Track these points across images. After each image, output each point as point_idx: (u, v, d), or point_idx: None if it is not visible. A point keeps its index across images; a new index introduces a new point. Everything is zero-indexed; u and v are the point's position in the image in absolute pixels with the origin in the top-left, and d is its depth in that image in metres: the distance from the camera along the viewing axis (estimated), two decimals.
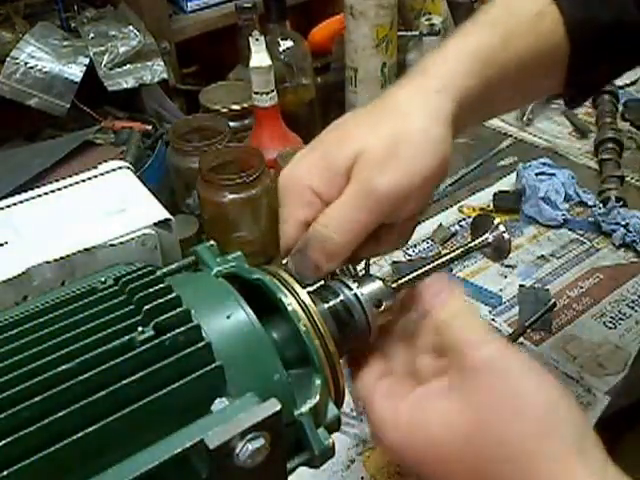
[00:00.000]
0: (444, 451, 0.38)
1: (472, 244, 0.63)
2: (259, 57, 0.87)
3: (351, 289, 0.48)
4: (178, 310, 0.37)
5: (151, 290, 0.38)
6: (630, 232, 0.88)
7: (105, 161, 0.64)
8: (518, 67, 0.52)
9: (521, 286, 0.85)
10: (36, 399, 0.32)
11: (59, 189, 0.60)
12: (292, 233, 0.47)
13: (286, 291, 0.42)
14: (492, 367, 0.38)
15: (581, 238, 0.92)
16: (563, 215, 0.93)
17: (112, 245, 0.53)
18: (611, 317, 0.81)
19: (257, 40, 0.87)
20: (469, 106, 0.49)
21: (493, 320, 0.81)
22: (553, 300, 0.83)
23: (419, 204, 0.47)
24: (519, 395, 0.37)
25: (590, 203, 0.96)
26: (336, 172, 0.46)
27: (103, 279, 0.40)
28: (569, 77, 0.56)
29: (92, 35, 1.06)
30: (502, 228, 0.64)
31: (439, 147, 0.46)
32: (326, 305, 0.47)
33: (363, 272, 0.55)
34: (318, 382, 0.41)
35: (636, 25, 0.54)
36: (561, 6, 0.53)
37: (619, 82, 1.22)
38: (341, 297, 0.48)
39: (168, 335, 0.35)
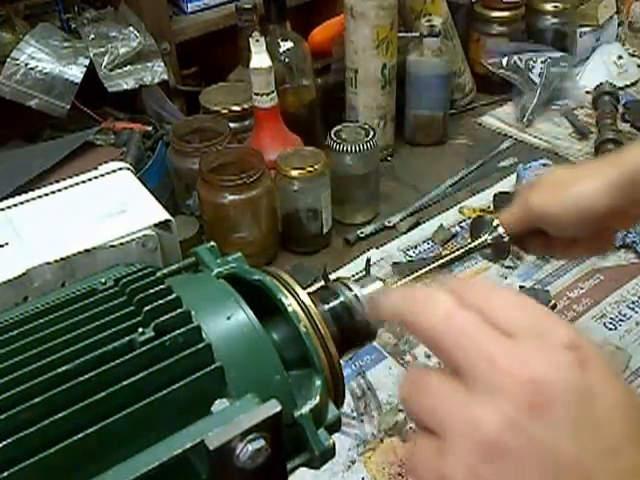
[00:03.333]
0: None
1: (472, 245, 0.63)
2: (259, 58, 0.87)
3: (351, 290, 0.48)
4: (178, 311, 0.37)
5: (151, 291, 0.38)
6: (630, 233, 0.88)
7: (105, 162, 0.64)
8: None
9: (521, 287, 0.85)
10: (36, 400, 0.32)
11: (59, 190, 0.60)
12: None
13: (286, 292, 0.42)
14: None
15: None
16: None
17: (112, 246, 0.53)
18: (611, 318, 0.81)
19: (257, 41, 0.87)
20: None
21: None
22: (553, 301, 0.83)
23: (573, 229, 0.59)
24: None
25: None
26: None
27: (103, 280, 0.40)
28: None
29: (92, 36, 1.06)
30: (501, 229, 0.64)
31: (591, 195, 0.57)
32: (326, 306, 0.47)
33: (364, 273, 0.55)
34: (318, 383, 0.41)
35: None
36: None
37: (619, 83, 1.22)
38: (341, 298, 0.48)
39: (168, 336, 0.35)
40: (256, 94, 0.90)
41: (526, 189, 0.64)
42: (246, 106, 0.99)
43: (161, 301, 0.37)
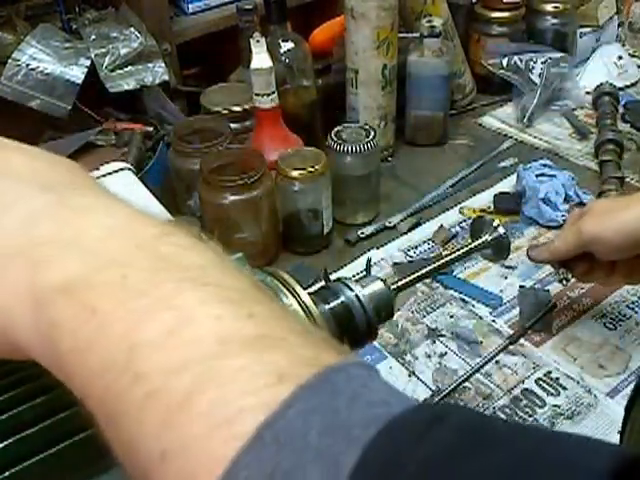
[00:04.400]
0: None
1: (472, 245, 0.64)
2: (260, 59, 0.87)
3: (352, 290, 0.48)
4: None
5: None
6: None
7: (106, 163, 0.65)
8: None
9: (521, 287, 0.85)
10: (37, 400, 0.32)
11: None
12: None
13: (287, 292, 0.43)
14: None
15: None
16: (563, 216, 0.93)
17: None
18: (611, 318, 0.81)
19: (258, 42, 0.87)
20: None
21: (493, 321, 0.81)
22: (553, 301, 0.83)
23: (620, 253, 0.68)
24: None
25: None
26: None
27: None
28: None
29: (93, 37, 1.06)
30: (501, 230, 0.64)
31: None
32: (327, 306, 0.47)
33: (364, 273, 0.55)
34: None
35: None
36: None
37: (619, 84, 1.22)
38: (342, 298, 0.48)
39: None
40: (257, 95, 0.90)
41: (576, 216, 0.72)
42: (247, 107, 0.99)
43: None
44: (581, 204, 0.96)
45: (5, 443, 0.30)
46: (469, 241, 0.65)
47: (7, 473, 0.30)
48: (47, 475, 0.31)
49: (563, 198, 0.95)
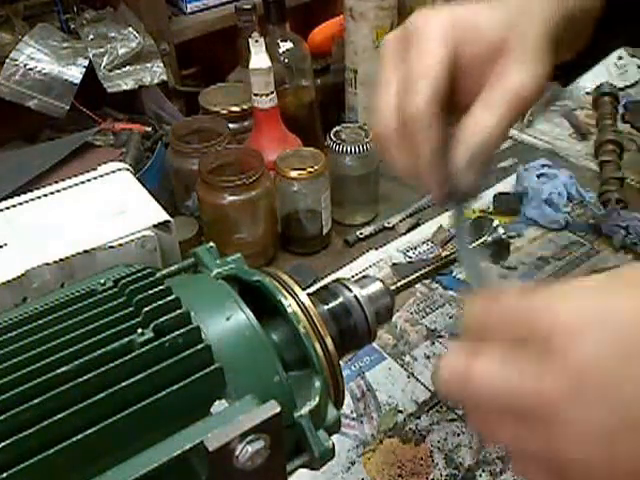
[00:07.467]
0: None
1: (471, 246, 0.63)
2: (259, 59, 0.87)
3: (351, 290, 0.48)
4: (178, 312, 0.37)
5: (151, 292, 0.38)
6: (630, 234, 0.88)
7: (105, 163, 0.64)
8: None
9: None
10: (35, 401, 0.32)
11: (58, 191, 0.60)
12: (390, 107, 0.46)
13: (286, 293, 0.42)
14: None
15: (581, 240, 0.92)
16: (565, 218, 0.93)
17: (111, 247, 0.53)
18: None
19: (257, 42, 0.87)
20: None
21: None
22: None
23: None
24: None
25: (592, 202, 0.96)
26: (480, 50, 0.47)
27: (102, 281, 0.40)
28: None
29: (91, 37, 1.06)
30: (501, 230, 0.64)
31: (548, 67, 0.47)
32: (326, 307, 0.47)
33: (363, 274, 0.55)
34: (318, 384, 0.41)
35: None
36: None
37: (619, 84, 1.22)
38: (341, 299, 0.48)
39: (168, 337, 0.35)
40: (255, 95, 0.90)
41: None
42: (245, 107, 0.99)
43: (160, 302, 0.37)
44: (582, 205, 0.96)
45: (5, 443, 0.30)
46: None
47: (5, 475, 0.30)
48: (47, 475, 0.31)
49: (565, 199, 0.95)
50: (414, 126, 0.45)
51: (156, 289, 0.38)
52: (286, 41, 0.99)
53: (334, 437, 0.41)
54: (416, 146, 0.45)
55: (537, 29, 0.47)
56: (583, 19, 0.54)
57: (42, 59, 1.02)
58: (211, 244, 0.47)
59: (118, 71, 1.04)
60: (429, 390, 0.72)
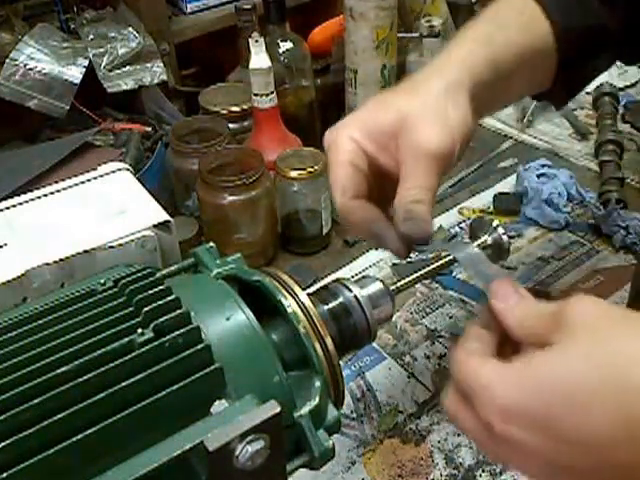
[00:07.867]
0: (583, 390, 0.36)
1: (471, 247, 0.63)
2: (259, 59, 0.87)
3: (351, 291, 0.48)
4: (178, 312, 0.37)
5: (151, 292, 0.38)
6: (630, 234, 0.88)
7: (105, 163, 0.64)
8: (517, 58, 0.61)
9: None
10: (35, 401, 0.32)
11: (58, 191, 0.60)
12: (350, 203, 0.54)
13: (286, 293, 0.42)
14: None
15: (581, 240, 0.92)
16: (565, 218, 0.93)
17: (111, 247, 0.53)
18: None
19: (257, 42, 0.87)
20: (483, 87, 0.58)
21: None
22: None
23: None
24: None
25: (592, 202, 0.95)
26: (382, 132, 0.53)
27: (102, 281, 0.40)
28: (558, 73, 0.65)
29: (91, 37, 1.06)
30: (501, 230, 0.64)
31: (462, 112, 0.54)
32: (326, 307, 0.47)
33: (363, 274, 0.55)
34: (318, 384, 0.41)
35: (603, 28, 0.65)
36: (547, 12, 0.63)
37: (619, 84, 1.22)
38: (341, 299, 0.48)
39: (168, 337, 0.35)
40: (255, 95, 0.90)
41: None
42: (245, 107, 0.99)
43: (160, 302, 0.37)
44: (582, 205, 0.96)
45: (5, 443, 0.30)
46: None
47: (5, 475, 0.30)
48: (47, 475, 0.31)
49: (565, 199, 0.95)
50: (343, 216, 0.54)
51: (156, 289, 0.38)
52: (286, 41, 0.99)
53: (334, 437, 0.41)
54: (356, 225, 0.54)
55: (437, 88, 0.55)
56: (529, 58, 0.62)
57: (42, 59, 1.02)
58: (211, 244, 0.47)
59: (118, 71, 1.04)
60: (429, 390, 0.72)
